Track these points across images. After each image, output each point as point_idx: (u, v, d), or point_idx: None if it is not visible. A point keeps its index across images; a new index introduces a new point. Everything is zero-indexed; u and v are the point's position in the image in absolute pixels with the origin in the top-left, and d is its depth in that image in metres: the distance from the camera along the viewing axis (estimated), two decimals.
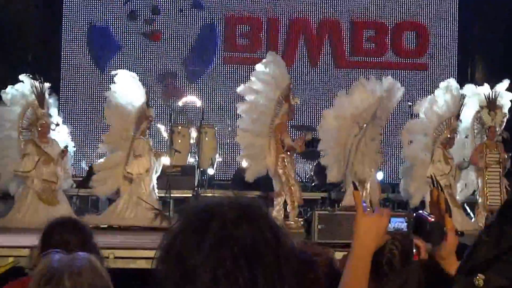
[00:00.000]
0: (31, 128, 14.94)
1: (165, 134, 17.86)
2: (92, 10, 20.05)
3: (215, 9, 20.40)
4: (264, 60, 15.20)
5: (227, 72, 20.20)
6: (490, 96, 15.72)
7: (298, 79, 18.39)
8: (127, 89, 14.97)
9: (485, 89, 15.87)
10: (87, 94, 19.70)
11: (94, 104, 19.28)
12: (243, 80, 17.84)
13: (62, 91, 18.79)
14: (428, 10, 20.90)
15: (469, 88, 16.06)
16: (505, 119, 15.89)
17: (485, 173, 14.97)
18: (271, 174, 14.82)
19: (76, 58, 19.84)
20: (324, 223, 10.86)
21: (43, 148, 14.70)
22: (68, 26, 19.96)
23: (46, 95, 15.21)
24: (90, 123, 19.18)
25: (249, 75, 17.29)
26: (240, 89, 15.22)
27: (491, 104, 15.75)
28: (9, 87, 15.28)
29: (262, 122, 14.86)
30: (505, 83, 15.92)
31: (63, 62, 19.67)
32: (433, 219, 2.91)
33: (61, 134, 15.76)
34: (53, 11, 19.71)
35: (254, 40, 20.52)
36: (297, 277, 1.98)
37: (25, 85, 15.17)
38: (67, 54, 19.86)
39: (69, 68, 19.74)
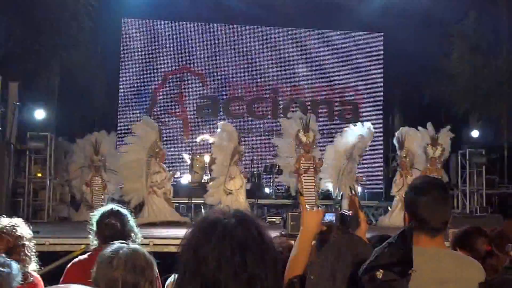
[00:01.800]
0: (155, 155, 16.10)
1: (188, 160, 19.56)
2: (139, 80, 22.78)
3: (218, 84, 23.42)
4: (284, 119, 17.37)
5: (228, 122, 20.79)
6: (434, 136, 17.31)
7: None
8: (226, 133, 16.38)
9: (431, 131, 17.43)
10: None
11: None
12: (239, 126, 20.53)
13: (118, 132, 20.56)
14: (361, 89, 23.96)
15: (422, 131, 17.55)
16: (444, 153, 17.39)
17: None
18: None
19: (130, 111, 22.37)
20: (294, 221, 10.86)
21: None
22: (124, 91, 22.62)
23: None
24: None
25: (240, 124, 20.69)
26: (274, 140, 17.54)
27: (433, 142, 17.26)
28: (138, 123, 16.85)
29: (287, 155, 16.67)
30: (447, 127, 17.68)
31: (119, 114, 22.23)
32: (351, 214, 3.19)
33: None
34: (113, 81, 22.15)
35: (240, 103, 23.43)
36: (275, 261, 2.20)
37: (149, 125, 16.66)
38: (123, 109, 22.43)
39: (124, 117, 22.07)
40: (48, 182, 17.52)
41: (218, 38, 23.44)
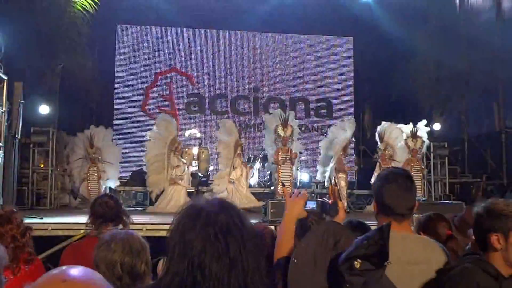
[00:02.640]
0: (174, 149, 16.46)
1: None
2: (132, 80, 22.76)
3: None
4: (267, 114, 17.64)
5: (213, 118, 22.35)
6: (413, 130, 17.38)
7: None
8: (227, 129, 16.66)
9: (410, 126, 17.49)
10: (130, 129, 22.14)
11: (133, 134, 21.73)
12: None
13: (114, 127, 20.85)
14: (334, 87, 24.04)
15: (401, 127, 17.59)
16: (423, 145, 17.58)
17: None
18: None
19: (124, 106, 22.47)
20: (274, 208, 11.32)
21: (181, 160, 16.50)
22: (118, 90, 22.61)
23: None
24: (130, 145, 21.08)
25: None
26: (265, 144, 17.38)
27: (413, 135, 17.37)
28: (159, 117, 17.34)
29: (272, 147, 16.88)
30: (423, 122, 17.82)
31: (115, 110, 22.27)
32: (330, 202, 3.20)
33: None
34: (109, 81, 22.17)
35: (224, 101, 23.50)
36: (255, 245, 2.19)
37: (169, 122, 16.90)
38: (118, 104, 22.42)
39: (119, 113, 22.29)
40: (50, 172, 17.63)
41: (204, 42, 23.49)
